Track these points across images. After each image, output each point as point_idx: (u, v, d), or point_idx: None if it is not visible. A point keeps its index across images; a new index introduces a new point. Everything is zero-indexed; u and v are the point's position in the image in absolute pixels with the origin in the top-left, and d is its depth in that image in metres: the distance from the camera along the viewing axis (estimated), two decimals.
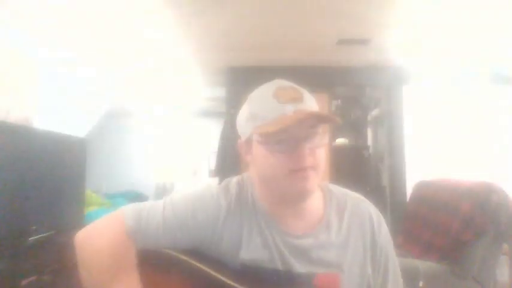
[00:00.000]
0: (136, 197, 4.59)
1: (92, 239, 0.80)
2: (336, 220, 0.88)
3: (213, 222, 0.83)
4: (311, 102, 0.82)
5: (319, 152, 0.79)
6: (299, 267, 0.82)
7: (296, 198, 0.84)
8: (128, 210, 0.84)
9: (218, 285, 0.79)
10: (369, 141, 3.98)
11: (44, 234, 1.89)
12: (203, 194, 0.87)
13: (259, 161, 0.81)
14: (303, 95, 0.81)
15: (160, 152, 5.35)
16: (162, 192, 5.21)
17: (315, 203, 0.88)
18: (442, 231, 2.34)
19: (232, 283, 0.79)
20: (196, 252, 0.83)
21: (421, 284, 2.03)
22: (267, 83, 0.85)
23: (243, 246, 0.83)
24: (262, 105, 0.80)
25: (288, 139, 0.77)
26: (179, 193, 0.89)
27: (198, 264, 0.80)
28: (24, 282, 1.65)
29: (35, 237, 1.82)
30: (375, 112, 3.87)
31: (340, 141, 3.67)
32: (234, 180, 0.91)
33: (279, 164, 0.78)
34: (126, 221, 0.81)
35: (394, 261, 0.91)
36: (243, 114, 0.84)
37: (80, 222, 2.25)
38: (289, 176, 0.78)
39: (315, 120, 0.79)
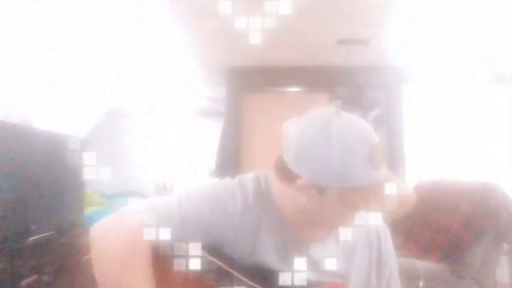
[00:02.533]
0: (137, 197, 4.59)
1: (108, 232, 0.79)
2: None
3: (229, 218, 0.82)
4: None
5: None
6: (310, 273, 0.83)
7: None
8: (143, 205, 0.83)
9: (231, 280, 0.79)
10: None
11: (44, 234, 1.89)
12: (219, 188, 0.86)
13: (327, 208, 0.77)
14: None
15: (160, 152, 5.35)
16: (162, 192, 5.20)
17: None
18: (442, 231, 2.34)
19: (245, 279, 0.79)
20: (209, 247, 0.82)
21: (421, 284, 2.03)
22: (360, 132, 0.73)
23: (258, 246, 0.82)
24: (355, 168, 0.71)
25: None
26: (194, 187, 0.88)
27: (213, 258, 0.80)
28: (24, 282, 1.66)
29: (35, 237, 1.83)
30: (374, 112, 3.86)
31: None
32: (249, 177, 0.88)
33: (346, 216, 0.78)
34: (142, 215, 0.81)
35: (396, 273, 0.92)
36: (324, 163, 0.71)
37: (79, 222, 2.25)
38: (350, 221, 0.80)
39: None
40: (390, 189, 0.74)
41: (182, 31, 2.49)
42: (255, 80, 3.40)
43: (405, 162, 3.31)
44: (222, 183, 0.87)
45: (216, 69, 3.36)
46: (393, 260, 0.92)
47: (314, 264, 0.84)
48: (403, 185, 0.80)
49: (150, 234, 0.79)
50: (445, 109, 3.46)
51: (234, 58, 3.13)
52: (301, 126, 0.75)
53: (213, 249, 0.82)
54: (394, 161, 3.33)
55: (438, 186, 2.67)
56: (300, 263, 0.82)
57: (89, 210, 2.78)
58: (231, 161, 3.27)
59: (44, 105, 2.76)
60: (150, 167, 5.29)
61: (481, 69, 3.30)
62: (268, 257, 0.82)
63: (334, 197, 0.74)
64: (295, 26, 2.45)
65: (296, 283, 0.81)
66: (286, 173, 0.77)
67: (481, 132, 3.40)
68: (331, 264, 0.84)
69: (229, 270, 0.79)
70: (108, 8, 2.11)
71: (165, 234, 0.80)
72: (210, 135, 5.06)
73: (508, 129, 3.41)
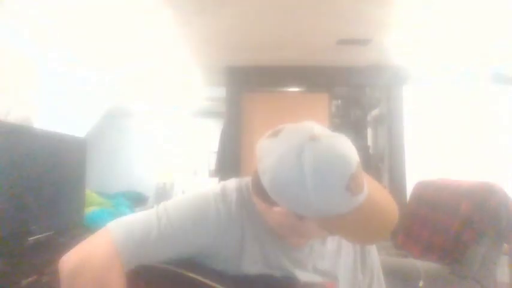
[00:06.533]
0: (136, 197, 4.60)
1: (80, 269, 0.73)
2: None
3: (213, 230, 0.80)
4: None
5: None
6: (300, 276, 0.83)
7: None
8: (116, 229, 0.77)
9: None
10: (369, 141, 3.98)
11: (44, 234, 1.89)
12: (200, 201, 0.83)
13: (307, 230, 0.77)
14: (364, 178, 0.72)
15: (160, 152, 5.35)
16: (162, 192, 5.21)
17: None
18: (442, 231, 2.34)
19: None
20: (192, 262, 0.80)
21: (421, 284, 2.03)
22: (336, 162, 0.69)
23: (244, 255, 0.81)
24: (333, 200, 0.69)
25: None
26: (172, 202, 0.83)
27: (195, 276, 0.78)
28: (24, 282, 1.65)
29: (35, 237, 1.83)
30: (374, 112, 3.86)
31: None
32: (231, 186, 0.87)
33: (321, 235, 0.80)
34: (116, 243, 0.75)
35: (378, 262, 0.94)
36: (300, 197, 0.69)
37: (80, 222, 2.25)
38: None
39: None
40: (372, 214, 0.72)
41: (182, 31, 2.49)
42: (255, 80, 3.40)
43: (405, 162, 3.31)
44: (203, 196, 0.83)
45: (216, 69, 3.36)
46: (374, 251, 0.93)
47: (303, 266, 0.83)
48: (387, 199, 0.77)
49: (124, 265, 0.74)
50: (445, 109, 3.46)
51: (234, 58, 3.13)
52: (275, 154, 0.71)
53: (195, 264, 0.80)
54: (394, 161, 3.33)
55: (438, 186, 2.67)
56: (289, 267, 0.82)
57: (89, 210, 2.78)
58: (231, 160, 3.27)
59: (44, 105, 2.75)
60: (150, 167, 5.30)
61: (481, 69, 3.30)
62: (255, 264, 0.81)
63: (313, 223, 0.73)
64: (295, 26, 2.45)
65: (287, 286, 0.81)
66: (263, 195, 0.75)
67: (481, 132, 3.40)
68: (319, 265, 0.84)
69: (212, 284, 0.77)
70: (108, 8, 2.11)
71: (141, 261, 0.76)
72: (210, 135, 5.07)
73: (508, 129, 3.41)
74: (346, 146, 0.71)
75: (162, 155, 5.36)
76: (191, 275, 0.78)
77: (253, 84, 3.41)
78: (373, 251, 0.92)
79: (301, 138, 0.70)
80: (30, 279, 1.69)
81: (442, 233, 2.33)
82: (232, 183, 0.88)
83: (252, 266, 0.81)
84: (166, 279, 0.78)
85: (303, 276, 0.82)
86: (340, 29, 2.48)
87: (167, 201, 0.83)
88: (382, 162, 3.65)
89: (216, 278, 0.78)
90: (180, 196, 0.86)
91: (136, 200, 4.42)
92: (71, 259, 0.74)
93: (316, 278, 0.83)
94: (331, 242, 0.87)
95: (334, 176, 0.68)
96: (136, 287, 0.77)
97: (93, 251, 0.74)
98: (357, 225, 0.70)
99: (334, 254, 0.87)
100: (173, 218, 0.79)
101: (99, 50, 2.79)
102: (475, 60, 3.10)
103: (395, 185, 3.27)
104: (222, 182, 0.88)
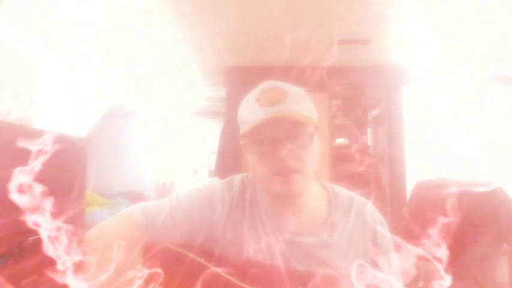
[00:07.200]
0: (136, 197, 4.60)
1: (103, 236, 0.82)
2: (340, 222, 0.88)
3: (218, 217, 0.86)
4: (295, 103, 0.82)
5: (304, 153, 0.78)
6: (299, 265, 0.83)
7: (284, 200, 0.86)
8: (136, 209, 0.87)
9: (220, 281, 0.79)
10: (369, 141, 3.98)
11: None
12: (208, 189, 0.90)
13: (250, 163, 0.84)
14: (286, 95, 0.82)
15: (160, 152, 5.35)
16: (162, 192, 5.21)
17: (316, 203, 0.88)
18: (441, 231, 2.34)
19: (233, 279, 0.79)
20: (199, 247, 0.84)
21: (421, 284, 2.03)
22: (259, 85, 0.86)
23: (246, 242, 0.84)
24: (246, 110, 0.82)
25: (267, 141, 0.78)
26: (184, 190, 0.92)
27: (200, 260, 0.81)
28: (24, 282, 1.66)
29: (35, 237, 1.83)
30: (374, 112, 3.86)
31: (340, 141, 3.67)
32: (238, 177, 0.94)
33: (262, 168, 0.80)
34: (135, 218, 0.85)
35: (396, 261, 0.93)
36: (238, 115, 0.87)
37: (80, 222, 2.25)
38: (273, 180, 0.79)
39: (289, 122, 0.77)
40: None
41: (182, 31, 2.49)
42: (255, 80, 3.40)
43: (405, 162, 3.31)
44: (212, 185, 0.92)
45: (216, 69, 3.36)
46: (391, 252, 0.92)
47: (307, 255, 0.84)
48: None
49: (141, 236, 0.83)
50: (445, 109, 3.46)
51: (233, 58, 3.13)
52: None
53: (202, 249, 0.84)
54: (394, 161, 3.33)
55: (438, 186, 2.67)
56: (292, 255, 0.84)
57: (89, 210, 2.78)
58: (231, 160, 3.27)
59: (44, 105, 2.76)
60: (150, 167, 5.30)
61: (480, 69, 3.30)
62: (258, 250, 0.83)
63: (244, 148, 0.83)
64: (295, 26, 2.45)
65: (288, 276, 0.81)
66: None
67: (481, 132, 3.40)
68: (324, 255, 0.84)
69: (217, 270, 0.80)
70: (108, 8, 2.11)
71: (155, 236, 0.84)
72: (210, 135, 5.07)
73: (508, 129, 3.41)
74: (288, 85, 0.89)
75: (162, 155, 5.36)
76: (198, 258, 0.82)
77: (253, 84, 3.42)
78: (390, 255, 0.91)
79: None
80: (30, 279, 1.69)
81: (441, 233, 2.33)
82: (239, 175, 0.96)
83: (253, 251, 0.83)
84: (179, 261, 0.83)
85: (300, 265, 0.83)
86: (340, 29, 2.48)
87: (181, 190, 0.93)
88: (382, 162, 3.65)
89: (220, 263, 0.81)
90: (192, 186, 0.94)
91: (136, 200, 4.42)
92: (93, 230, 0.84)
93: (318, 268, 0.83)
94: (341, 235, 0.87)
95: (252, 92, 0.85)
96: (152, 266, 0.81)
97: (116, 225, 0.85)
98: (258, 138, 0.78)
99: (343, 247, 0.86)
100: (182, 203, 0.88)
101: (99, 49, 2.79)
102: (474, 60, 3.10)
103: (396, 185, 3.27)
104: (233, 175, 0.96)
